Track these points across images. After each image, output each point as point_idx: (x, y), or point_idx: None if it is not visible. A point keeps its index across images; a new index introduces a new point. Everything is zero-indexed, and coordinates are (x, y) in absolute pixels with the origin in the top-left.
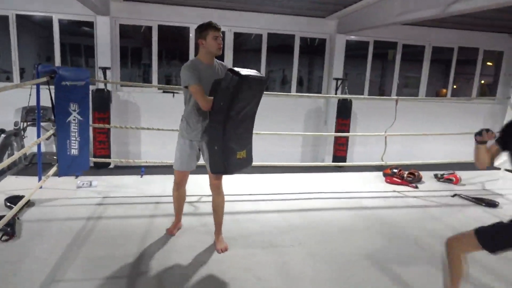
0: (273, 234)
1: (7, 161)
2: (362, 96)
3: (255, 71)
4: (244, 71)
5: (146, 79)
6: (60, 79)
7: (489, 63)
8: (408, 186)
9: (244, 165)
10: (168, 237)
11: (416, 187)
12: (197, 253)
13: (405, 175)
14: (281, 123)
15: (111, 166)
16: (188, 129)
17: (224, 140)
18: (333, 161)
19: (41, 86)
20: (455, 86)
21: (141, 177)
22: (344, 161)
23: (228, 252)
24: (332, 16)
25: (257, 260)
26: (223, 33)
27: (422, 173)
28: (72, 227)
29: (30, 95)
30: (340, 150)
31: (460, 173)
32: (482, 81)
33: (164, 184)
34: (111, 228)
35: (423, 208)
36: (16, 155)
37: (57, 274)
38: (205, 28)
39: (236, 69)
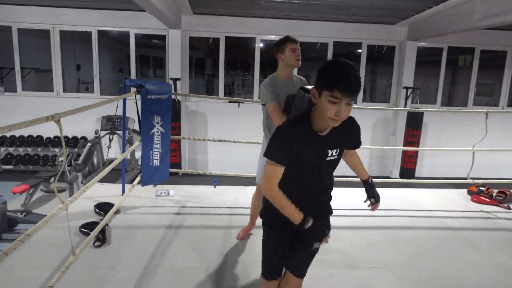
0: (353, 253)
1: (101, 174)
2: (450, 109)
3: None
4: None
5: (210, 89)
6: (146, 93)
7: None
8: (499, 206)
9: None
10: (245, 250)
11: (509, 208)
12: None
13: (494, 194)
14: None
15: (180, 173)
16: None
17: None
18: (400, 173)
19: (127, 99)
20: None
21: (215, 187)
22: (413, 173)
23: (308, 272)
24: (403, 22)
25: (338, 281)
26: None
27: None
28: (155, 235)
29: (117, 107)
30: (409, 162)
31: None
32: None
33: (237, 195)
34: (190, 238)
35: None
36: (110, 166)
37: (143, 283)
38: (283, 42)
39: (308, 87)
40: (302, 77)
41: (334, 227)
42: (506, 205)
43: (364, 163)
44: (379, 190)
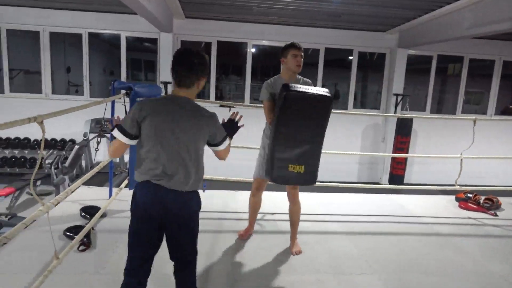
0: (343, 259)
1: (86, 176)
2: (439, 116)
3: (319, 89)
4: (299, 88)
5: (201, 93)
6: (136, 96)
7: None
8: (486, 213)
9: (300, 180)
10: (234, 258)
11: (495, 215)
12: (265, 278)
13: (481, 200)
14: (338, 139)
15: None
16: (266, 142)
17: (271, 151)
18: (389, 180)
19: (115, 101)
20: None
21: (203, 191)
22: (402, 180)
23: (296, 277)
24: (393, 30)
25: (326, 287)
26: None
27: (500, 199)
28: None
29: (105, 109)
30: (398, 169)
31: None
32: None
33: (225, 200)
34: None
35: (507, 239)
36: (95, 169)
37: None
38: (287, 47)
39: (292, 85)
40: (306, 79)
41: (325, 232)
42: (493, 212)
43: (353, 169)
44: (368, 196)
